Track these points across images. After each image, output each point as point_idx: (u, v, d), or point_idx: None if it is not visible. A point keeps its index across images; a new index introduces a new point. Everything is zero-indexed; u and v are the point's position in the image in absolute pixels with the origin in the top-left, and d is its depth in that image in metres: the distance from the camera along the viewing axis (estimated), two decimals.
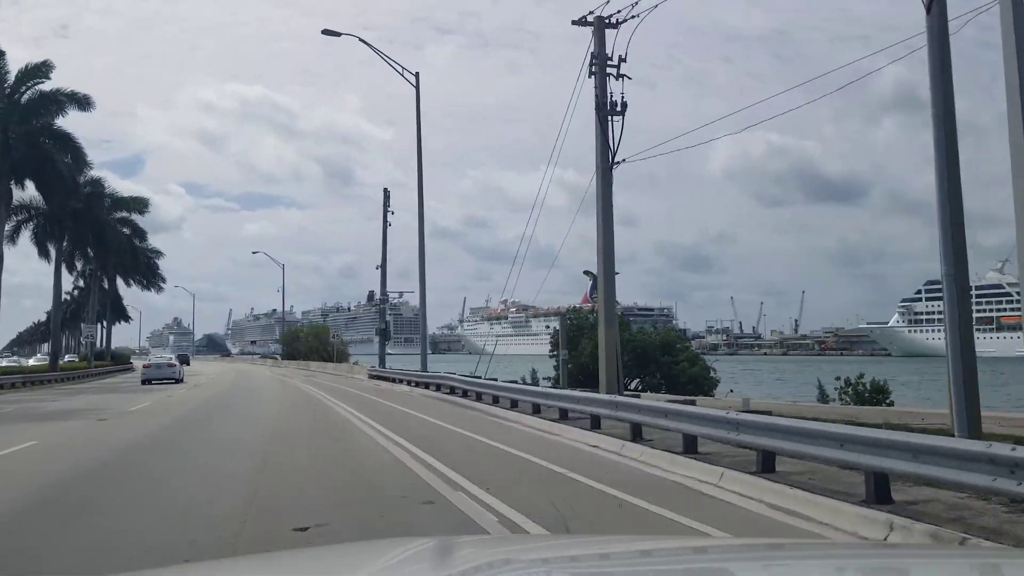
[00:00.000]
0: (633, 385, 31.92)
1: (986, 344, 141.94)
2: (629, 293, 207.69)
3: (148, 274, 68.09)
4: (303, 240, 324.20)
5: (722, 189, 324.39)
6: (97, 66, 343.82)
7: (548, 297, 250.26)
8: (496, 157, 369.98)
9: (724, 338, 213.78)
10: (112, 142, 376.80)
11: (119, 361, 69.75)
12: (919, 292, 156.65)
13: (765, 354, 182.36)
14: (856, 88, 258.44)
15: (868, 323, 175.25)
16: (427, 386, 30.14)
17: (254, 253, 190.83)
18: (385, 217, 44.07)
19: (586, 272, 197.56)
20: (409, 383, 33.38)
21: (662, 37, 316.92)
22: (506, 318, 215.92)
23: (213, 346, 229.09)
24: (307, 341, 75.60)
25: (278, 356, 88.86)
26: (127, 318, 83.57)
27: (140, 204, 60.41)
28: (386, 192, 44.00)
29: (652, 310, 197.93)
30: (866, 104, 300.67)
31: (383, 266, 46.61)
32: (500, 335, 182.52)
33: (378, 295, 48.70)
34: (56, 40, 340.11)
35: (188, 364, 66.83)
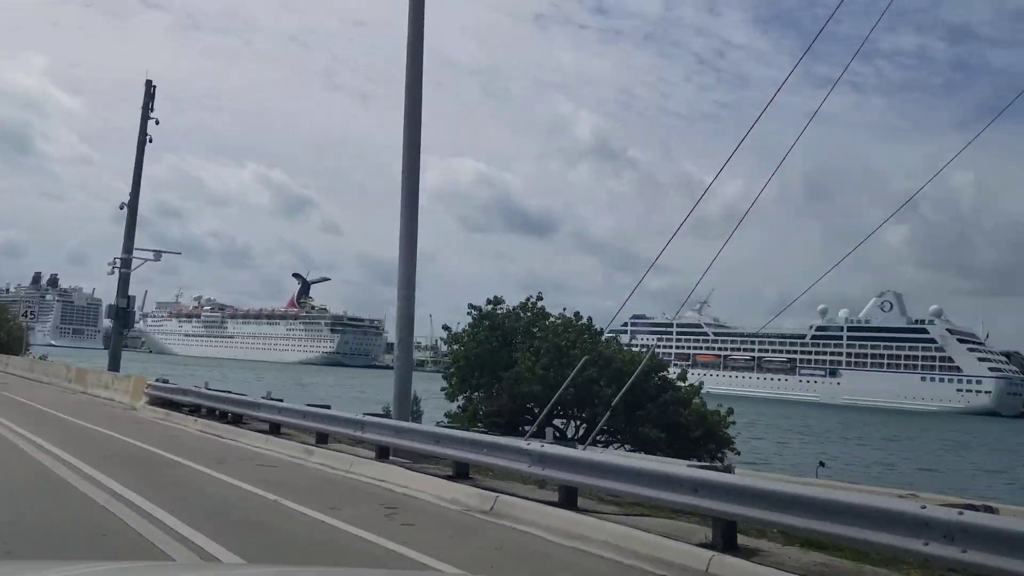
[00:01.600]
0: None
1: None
2: (331, 302, 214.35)
3: None
4: None
5: (430, 209, 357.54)
6: None
7: (239, 298, 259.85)
8: (198, 146, 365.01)
9: (431, 355, 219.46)
10: None
11: None
12: (625, 325, 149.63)
13: None
14: (556, 131, 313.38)
15: None
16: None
17: None
18: (144, 124, 29.27)
19: (296, 275, 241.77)
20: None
21: (375, 52, 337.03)
22: (198, 317, 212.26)
23: None
24: None
25: None
26: None
27: None
28: (150, 85, 30.07)
29: (363, 320, 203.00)
30: (564, 147, 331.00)
31: (133, 202, 29.59)
32: (191, 334, 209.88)
33: (118, 256, 29.44)
34: None
35: None
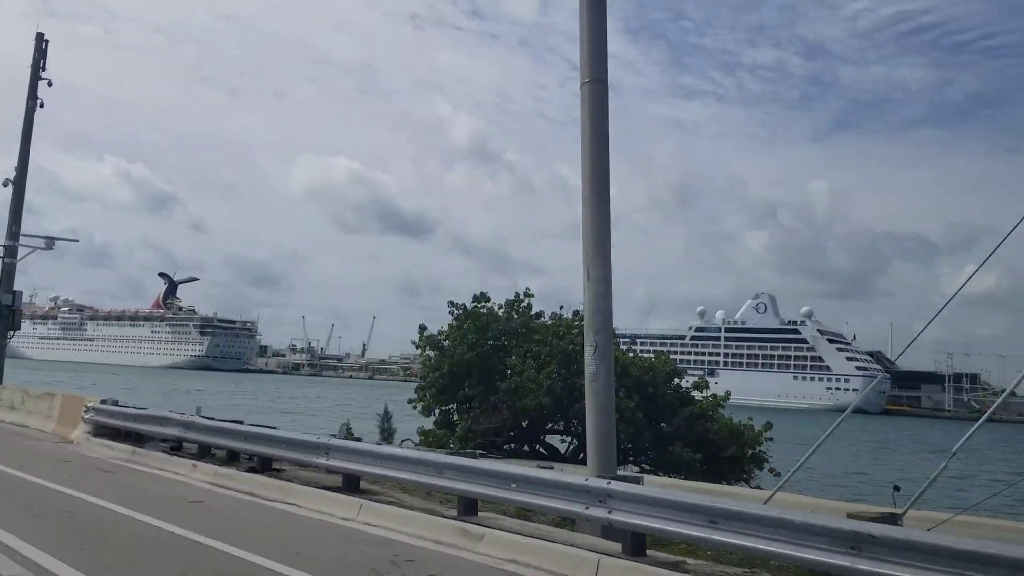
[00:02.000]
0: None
1: None
2: (199, 303, 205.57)
3: None
4: None
5: (302, 209, 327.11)
6: None
7: (99, 299, 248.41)
8: (52, 138, 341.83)
9: (308, 358, 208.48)
10: None
11: None
12: None
13: (351, 377, 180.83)
14: (434, 132, 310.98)
15: None
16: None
17: None
18: (34, 86, 24.01)
19: (162, 274, 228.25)
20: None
21: (247, 46, 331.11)
22: (55, 319, 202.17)
23: None
24: None
25: None
26: None
27: None
28: (41, 39, 24.78)
29: (234, 322, 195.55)
30: (441, 148, 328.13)
31: (20, 177, 24.00)
32: (47, 337, 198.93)
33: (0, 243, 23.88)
34: None
35: None
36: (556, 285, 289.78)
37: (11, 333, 23.84)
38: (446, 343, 18.35)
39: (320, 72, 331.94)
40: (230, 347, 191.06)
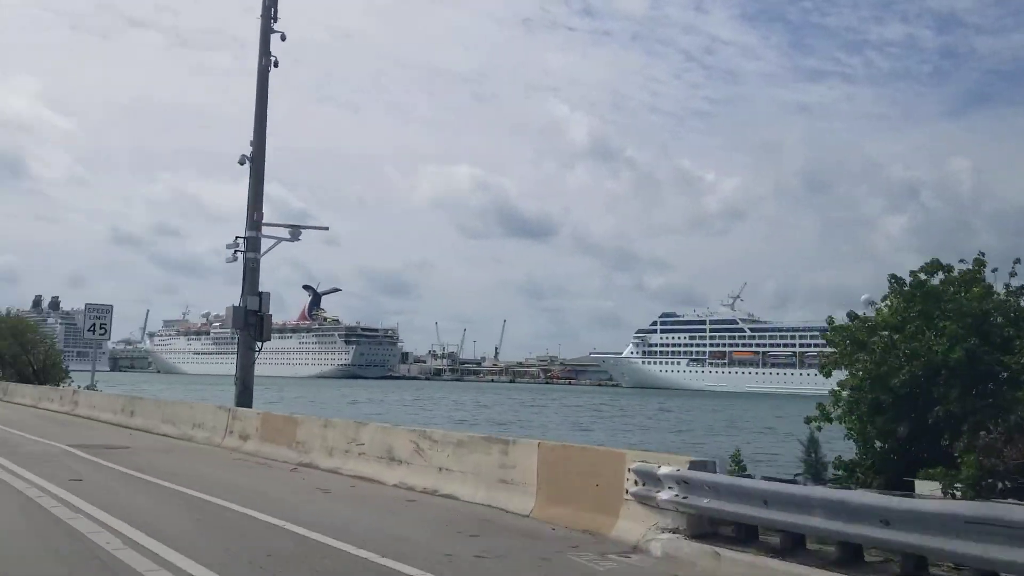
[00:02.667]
0: None
1: (718, 379, 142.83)
2: (338, 314, 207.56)
3: None
4: None
5: (427, 217, 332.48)
6: None
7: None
8: (192, 163, 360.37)
9: (448, 363, 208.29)
10: None
11: None
12: (654, 324, 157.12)
13: (492, 380, 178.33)
14: (551, 133, 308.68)
15: (596, 352, 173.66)
16: None
17: None
18: (267, 42, 20.70)
19: (306, 287, 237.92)
20: None
21: (368, 65, 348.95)
22: (208, 334, 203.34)
23: None
24: None
25: None
26: None
27: None
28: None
29: (377, 330, 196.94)
30: (560, 149, 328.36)
31: (257, 155, 19.96)
32: (201, 352, 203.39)
33: (240, 235, 19.84)
34: None
35: None
36: (682, 281, 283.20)
37: (259, 345, 19.53)
38: (890, 337, 12.49)
39: (436, 83, 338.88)
40: (374, 355, 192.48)
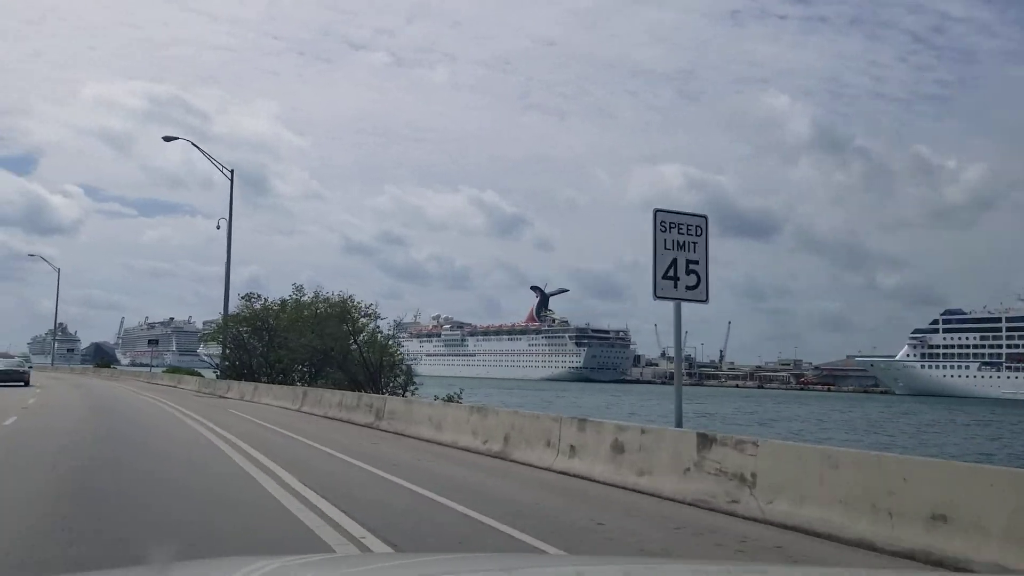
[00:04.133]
0: None
1: (1019, 384, 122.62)
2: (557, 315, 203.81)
3: None
4: (209, 250, 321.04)
5: (638, 218, 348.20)
6: None
7: (463, 319, 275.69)
8: (412, 175, 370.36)
9: (686, 366, 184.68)
10: (3, 139, 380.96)
11: None
12: (935, 323, 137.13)
13: (737, 386, 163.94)
14: (767, 127, 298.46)
15: (860, 356, 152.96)
16: None
17: (30, 256, 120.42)
18: None
19: (534, 288, 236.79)
20: None
21: (570, 70, 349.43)
22: (439, 335, 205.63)
23: (101, 355, 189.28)
24: (298, 333, 33.90)
25: (212, 369, 42.88)
26: None
27: None
28: None
29: (608, 332, 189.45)
30: (778, 142, 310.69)
31: None
32: (432, 354, 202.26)
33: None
34: None
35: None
36: (920, 279, 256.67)
37: None
38: None
39: (639, 84, 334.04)
40: (606, 357, 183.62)
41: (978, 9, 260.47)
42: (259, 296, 39.11)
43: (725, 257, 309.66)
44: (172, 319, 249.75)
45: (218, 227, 36.24)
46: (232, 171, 35.57)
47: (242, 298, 39.00)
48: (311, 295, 36.88)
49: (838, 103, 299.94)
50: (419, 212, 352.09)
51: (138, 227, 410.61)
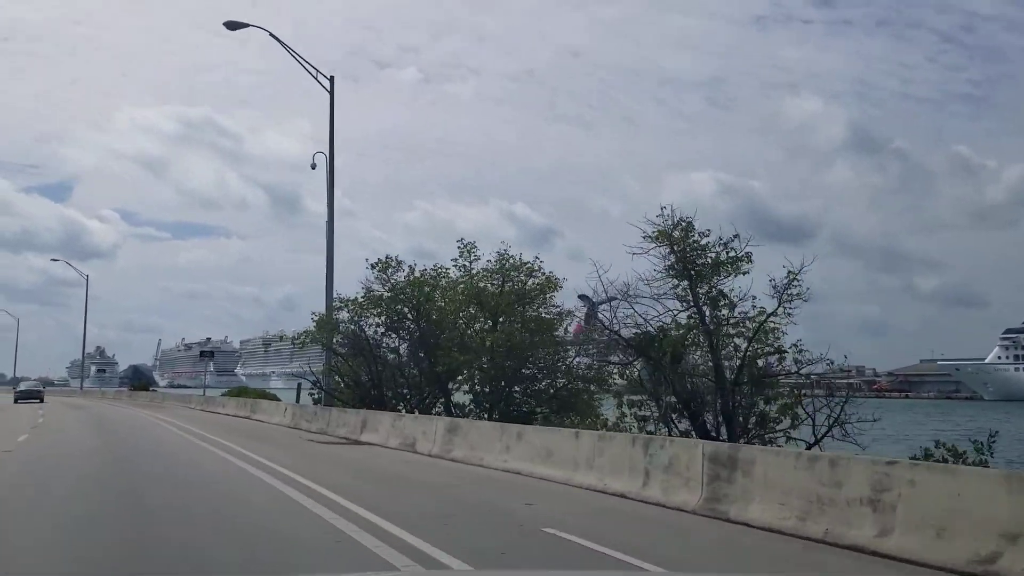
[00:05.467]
0: None
1: None
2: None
3: None
4: (243, 270, 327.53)
5: None
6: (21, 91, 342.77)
7: None
8: (441, 190, 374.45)
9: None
10: (40, 167, 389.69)
11: None
12: (1010, 335, 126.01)
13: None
14: (798, 131, 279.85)
15: (943, 359, 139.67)
16: None
17: (53, 260, 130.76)
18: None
19: (581, 296, 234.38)
20: None
21: (596, 80, 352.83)
22: None
23: (139, 377, 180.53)
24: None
25: (313, 392, 29.45)
26: None
27: None
28: None
29: None
30: (811, 146, 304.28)
31: None
32: None
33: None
34: None
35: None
36: (960, 281, 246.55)
37: None
38: None
39: (666, 92, 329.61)
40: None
41: (1009, 5, 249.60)
42: (399, 263, 24.75)
43: (761, 261, 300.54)
44: (209, 339, 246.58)
45: (312, 166, 28.82)
46: (332, 77, 28.68)
47: (373, 267, 24.70)
48: (492, 260, 23.67)
49: (865, 104, 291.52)
50: (450, 226, 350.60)
51: (173, 250, 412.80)
